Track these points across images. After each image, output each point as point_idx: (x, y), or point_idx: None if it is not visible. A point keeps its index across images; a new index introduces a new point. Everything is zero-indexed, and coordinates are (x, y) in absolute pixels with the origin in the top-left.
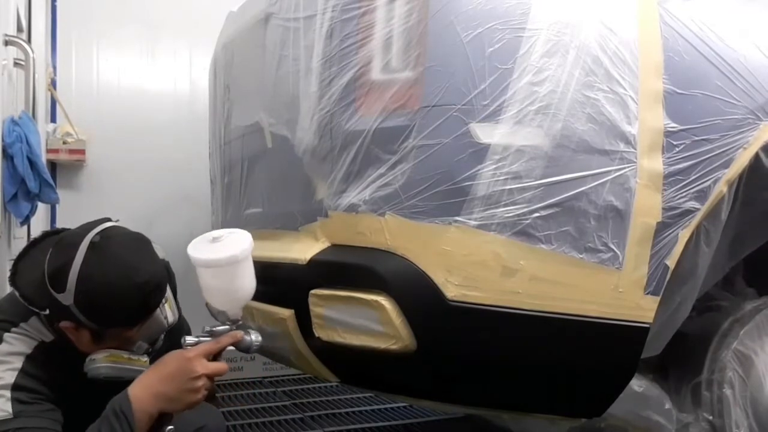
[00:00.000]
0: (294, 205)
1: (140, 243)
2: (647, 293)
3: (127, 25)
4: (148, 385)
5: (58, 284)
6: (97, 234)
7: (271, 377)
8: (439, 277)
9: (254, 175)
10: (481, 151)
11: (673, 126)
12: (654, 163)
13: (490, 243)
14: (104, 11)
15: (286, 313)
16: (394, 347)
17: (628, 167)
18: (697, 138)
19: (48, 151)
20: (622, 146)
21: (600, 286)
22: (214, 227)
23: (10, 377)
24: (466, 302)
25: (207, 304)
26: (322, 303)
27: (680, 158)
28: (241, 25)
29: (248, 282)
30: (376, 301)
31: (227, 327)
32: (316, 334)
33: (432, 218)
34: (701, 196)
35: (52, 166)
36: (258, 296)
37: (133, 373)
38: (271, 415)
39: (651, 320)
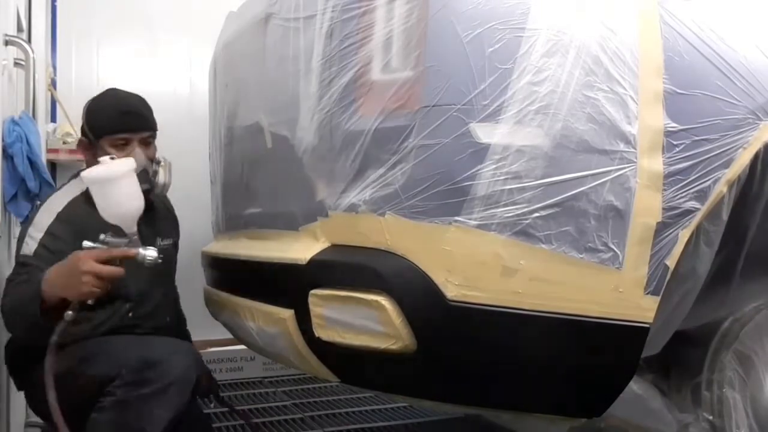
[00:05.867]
0: (294, 205)
1: (142, 99)
2: (647, 293)
3: (127, 25)
4: (51, 275)
5: (84, 108)
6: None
7: (271, 377)
8: (439, 277)
9: (254, 175)
10: (481, 151)
11: (673, 126)
12: (654, 163)
13: (490, 243)
14: (104, 11)
15: (286, 313)
16: (394, 347)
17: (628, 167)
18: (697, 138)
19: (48, 151)
20: (622, 146)
21: (600, 286)
22: (215, 228)
23: (47, 222)
24: (466, 302)
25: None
26: (322, 303)
27: (680, 158)
28: (241, 25)
29: (129, 199)
30: (376, 301)
31: (123, 241)
32: (316, 334)
33: (432, 218)
34: (701, 196)
35: (52, 166)
36: (258, 296)
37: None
38: (271, 415)
39: (651, 320)
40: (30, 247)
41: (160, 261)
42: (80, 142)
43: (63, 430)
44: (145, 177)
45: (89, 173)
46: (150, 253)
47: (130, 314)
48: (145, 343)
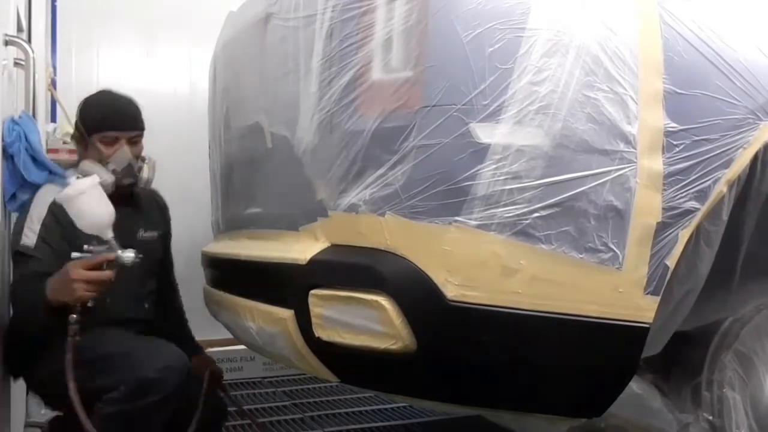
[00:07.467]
0: (294, 205)
1: (132, 101)
2: (647, 293)
3: (127, 25)
4: (52, 285)
5: (79, 104)
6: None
7: (271, 377)
8: (439, 277)
9: (254, 175)
10: (481, 151)
11: (673, 126)
12: (654, 163)
13: (490, 243)
14: (104, 11)
15: (286, 313)
16: (394, 347)
17: (628, 167)
18: (697, 138)
19: (48, 151)
20: (622, 146)
21: (600, 286)
22: (215, 227)
23: (42, 214)
24: (466, 302)
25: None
26: (322, 303)
27: (680, 158)
28: (241, 25)
29: (99, 210)
30: (376, 301)
31: (103, 248)
32: (316, 334)
33: (432, 218)
34: (701, 196)
35: None
36: (258, 296)
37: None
38: (271, 415)
39: (651, 320)
40: (30, 239)
41: (138, 260)
42: (74, 135)
43: (85, 422)
44: (131, 172)
45: (60, 196)
46: (127, 254)
47: (108, 300)
48: (139, 354)
